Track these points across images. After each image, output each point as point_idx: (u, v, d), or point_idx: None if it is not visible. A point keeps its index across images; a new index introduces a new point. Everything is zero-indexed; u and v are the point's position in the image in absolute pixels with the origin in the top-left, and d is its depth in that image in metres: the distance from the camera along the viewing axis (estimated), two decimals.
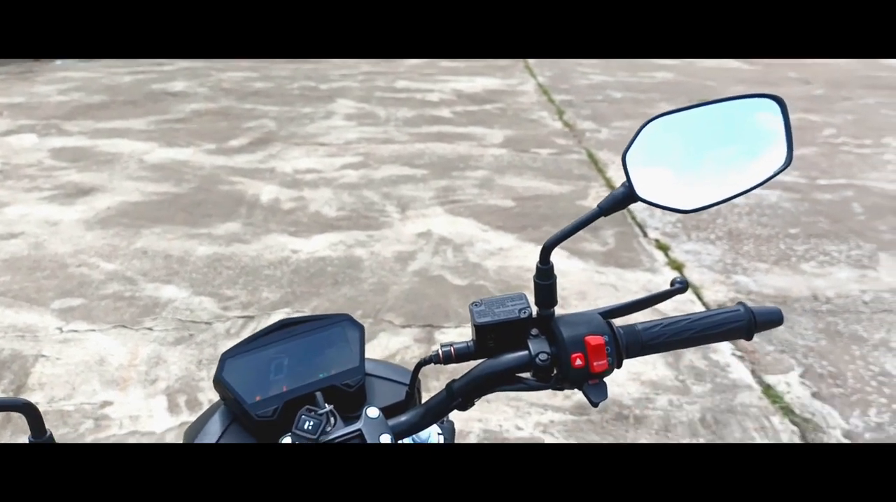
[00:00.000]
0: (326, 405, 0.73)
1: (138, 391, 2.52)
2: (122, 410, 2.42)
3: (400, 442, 0.76)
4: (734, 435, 2.29)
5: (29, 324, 2.95)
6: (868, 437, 2.29)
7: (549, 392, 0.75)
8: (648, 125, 0.73)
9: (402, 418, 0.75)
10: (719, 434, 2.30)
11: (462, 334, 2.82)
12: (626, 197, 0.73)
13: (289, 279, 3.33)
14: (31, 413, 0.66)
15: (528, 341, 0.74)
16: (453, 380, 0.75)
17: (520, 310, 0.75)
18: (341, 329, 0.83)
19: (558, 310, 0.76)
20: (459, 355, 0.76)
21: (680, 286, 0.77)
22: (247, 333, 2.77)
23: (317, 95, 7.15)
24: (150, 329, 2.91)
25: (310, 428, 0.70)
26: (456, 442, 0.84)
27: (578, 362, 0.71)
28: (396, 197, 4.38)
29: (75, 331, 2.90)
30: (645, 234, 3.86)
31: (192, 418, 1.01)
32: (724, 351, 2.75)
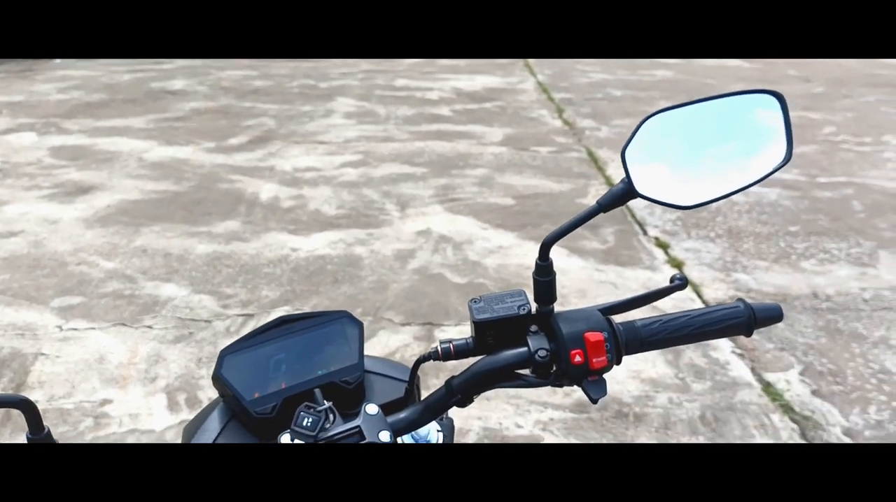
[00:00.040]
0: (325, 402, 0.73)
1: (138, 389, 2.52)
2: (121, 408, 2.42)
3: (399, 439, 0.76)
4: (734, 433, 2.29)
5: (28, 322, 2.95)
6: (868, 435, 2.29)
7: (548, 389, 0.75)
8: (648, 121, 0.73)
9: (402, 415, 0.74)
10: (719, 431, 2.30)
11: (462, 332, 2.82)
12: (625, 193, 0.73)
13: (288, 277, 3.33)
14: (29, 409, 0.66)
15: (527, 338, 0.74)
16: (452, 377, 0.75)
17: (519, 307, 0.75)
18: (340, 326, 0.83)
19: (557, 308, 0.76)
20: (459, 352, 0.76)
21: (679, 283, 0.76)
22: (246, 331, 2.77)
23: (316, 93, 7.14)
24: (149, 327, 2.91)
25: (308, 424, 0.70)
26: (455, 440, 0.84)
27: (578, 359, 0.71)
28: (396, 195, 4.38)
29: (75, 329, 2.90)
30: (645, 232, 3.85)
31: (192, 416, 1.01)
32: (723, 348, 2.75)
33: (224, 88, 7.40)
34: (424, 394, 0.79)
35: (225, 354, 0.80)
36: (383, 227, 3.91)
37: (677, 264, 3.49)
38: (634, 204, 4.18)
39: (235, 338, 0.92)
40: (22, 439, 0.69)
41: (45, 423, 0.68)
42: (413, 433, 0.79)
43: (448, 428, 0.83)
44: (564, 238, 0.73)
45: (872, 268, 3.45)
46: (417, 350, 2.72)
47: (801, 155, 4.99)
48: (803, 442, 2.26)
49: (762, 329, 0.76)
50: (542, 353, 0.72)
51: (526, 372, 0.74)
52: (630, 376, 2.57)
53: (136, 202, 4.28)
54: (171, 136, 5.64)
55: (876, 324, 2.94)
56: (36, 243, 3.70)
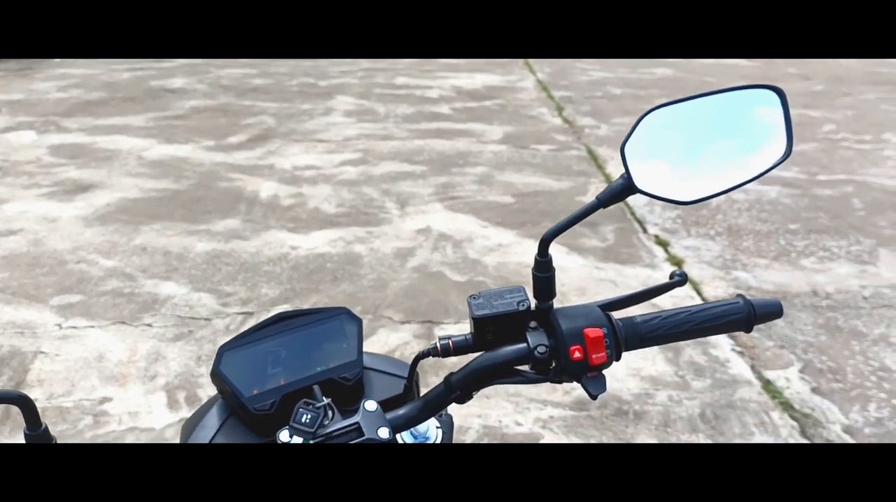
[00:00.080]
0: (324, 398, 0.73)
1: (137, 387, 2.52)
2: (121, 406, 2.42)
3: (398, 435, 0.76)
4: (734, 431, 2.29)
5: (28, 320, 2.95)
6: (868, 432, 2.28)
7: (548, 386, 0.75)
8: (647, 116, 0.73)
9: (401, 411, 0.74)
10: (719, 429, 2.30)
11: (462, 330, 2.81)
12: (624, 188, 0.73)
13: (288, 275, 3.33)
14: (26, 405, 0.66)
15: (526, 334, 0.73)
16: (451, 373, 0.74)
17: (518, 303, 0.74)
18: (339, 322, 0.83)
19: (557, 305, 0.75)
20: (458, 348, 0.76)
21: (679, 279, 0.76)
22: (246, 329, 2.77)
23: (316, 92, 7.14)
24: (149, 325, 2.91)
25: (307, 421, 0.69)
26: (455, 438, 0.84)
27: (577, 355, 0.70)
28: (396, 193, 4.38)
29: (74, 327, 2.90)
30: (644, 230, 3.85)
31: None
32: (723, 346, 2.75)
33: (224, 87, 7.39)
34: (423, 391, 0.79)
35: (223, 351, 0.79)
36: (383, 225, 3.90)
37: (677, 262, 3.49)
38: (634, 202, 4.19)
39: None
40: (20, 437, 0.69)
41: (42, 420, 0.68)
42: (412, 429, 0.79)
43: (447, 424, 0.83)
44: (564, 235, 0.72)
45: (872, 265, 3.45)
46: (417, 348, 2.72)
47: (801, 152, 4.99)
48: (803, 440, 2.26)
49: (762, 325, 0.76)
50: (541, 349, 0.72)
51: (525, 368, 0.74)
52: (630, 374, 2.57)
53: (135, 200, 4.28)
54: (171, 135, 5.64)
55: (876, 322, 2.94)
56: (35, 241, 3.70)
